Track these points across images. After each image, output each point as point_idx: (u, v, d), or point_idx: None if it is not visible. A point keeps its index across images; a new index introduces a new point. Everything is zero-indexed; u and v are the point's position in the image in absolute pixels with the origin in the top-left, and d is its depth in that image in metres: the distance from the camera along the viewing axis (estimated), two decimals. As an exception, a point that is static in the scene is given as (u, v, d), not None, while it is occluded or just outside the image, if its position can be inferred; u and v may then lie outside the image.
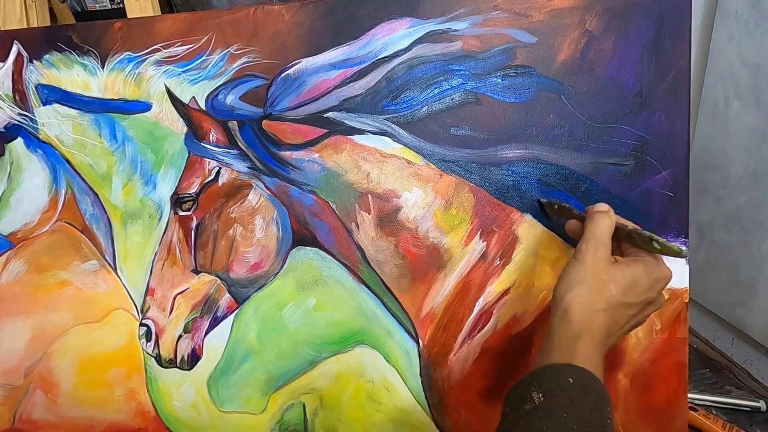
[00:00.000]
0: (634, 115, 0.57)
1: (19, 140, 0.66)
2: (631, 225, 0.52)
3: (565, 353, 0.45)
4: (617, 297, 0.47)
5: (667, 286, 0.51)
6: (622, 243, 0.53)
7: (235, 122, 0.62)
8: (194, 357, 0.66)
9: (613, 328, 0.48)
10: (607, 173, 0.58)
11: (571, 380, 0.43)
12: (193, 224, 0.64)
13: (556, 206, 0.57)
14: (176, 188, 0.64)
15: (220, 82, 0.61)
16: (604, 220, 0.51)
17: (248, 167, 0.63)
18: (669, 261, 0.51)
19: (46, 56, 0.64)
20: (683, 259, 0.57)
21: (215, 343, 0.65)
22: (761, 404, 0.79)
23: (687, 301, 0.59)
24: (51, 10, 0.91)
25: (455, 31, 0.58)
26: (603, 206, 0.52)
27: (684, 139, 0.57)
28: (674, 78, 0.56)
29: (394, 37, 0.58)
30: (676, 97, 0.56)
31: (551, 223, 0.60)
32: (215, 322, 0.65)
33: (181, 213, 0.64)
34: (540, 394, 0.43)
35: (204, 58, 0.61)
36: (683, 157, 0.57)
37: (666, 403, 0.61)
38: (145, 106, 0.63)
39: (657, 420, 0.61)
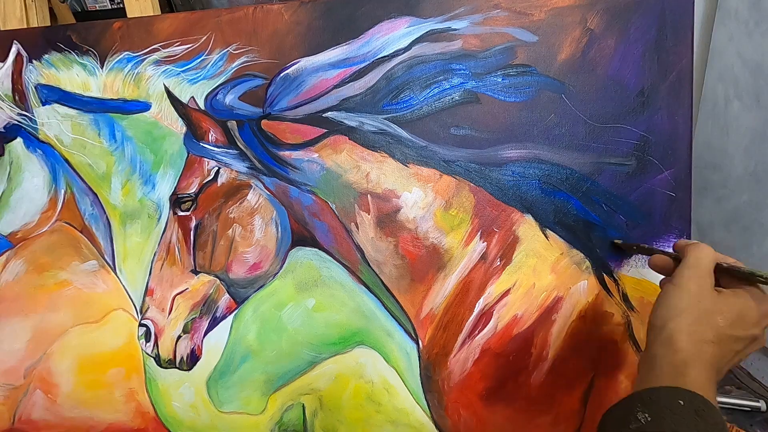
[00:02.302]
0: (635, 115, 0.57)
1: (19, 140, 0.66)
2: (731, 260, 0.50)
3: (673, 378, 0.43)
4: (725, 329, 0.45)
5: None
6: (722, 279, 0.50)
7: (234, 122, 0.62)
8: (193, 357, 0.65)
9: (722, 361, 0.45)
10: (608, 173, 0.58)
11: (682, 402, 0.41)
12: (192, 224, 0.64)
13: (634, 247, 0.57)
14: (175, 188, 0.64)
15: (219, 82, 0.61)
16: (707, 250, 0.48)
17: (247, 167, 0.63)
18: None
19: (46, 56, 0.64)
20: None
21: (214, 343, 0.65)
22: (761, 404, 0.79)
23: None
24: (51, 10, 0.91)
25: (455, 30, 0.57)
26: (702, 245, 0.50)
27: (686, 138, 0.57)
28: (676, 77, 0.56)
29: (393, 36, 0.58)
30: (677, 96, 0.56)
31: (552, 223, 0.59)
32: (214, 323, 0.65)
33: (180, 213, 0.64)
34: (646, 415, 0.41)
35: (203, 57, 0.61)
36: (685, 156, 0.57)
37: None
38: (144, 106, 0.63)
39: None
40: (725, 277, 0.49)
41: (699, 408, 0.40)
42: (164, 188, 0.64)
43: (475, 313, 0.61)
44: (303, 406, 0.66)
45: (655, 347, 0.46)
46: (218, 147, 0.63)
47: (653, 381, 0.44)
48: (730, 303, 0.46)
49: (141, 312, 0.66)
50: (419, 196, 0.60)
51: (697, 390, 0.42)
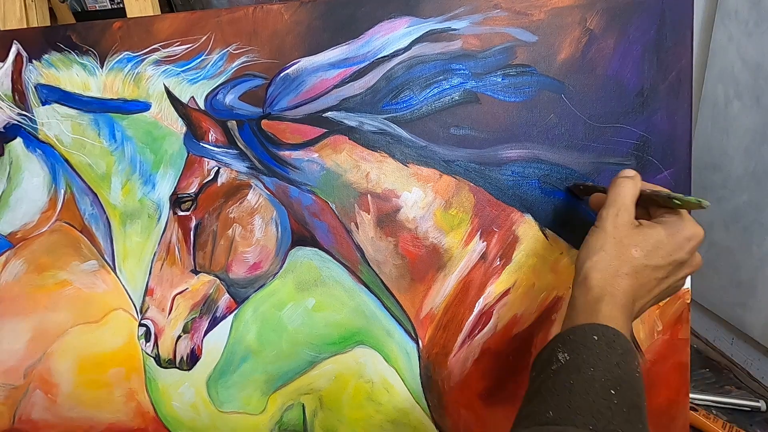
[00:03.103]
0: (635, 115, 0.57)
1: (19, 140, 0.66)
2: (656, 188, 0.51)
3: (586, 316, 0.45)
4: (640, 260, 0.47)
5: None
6: (650, 208, 0.51)
7: (234, 122, 0.62)
8: (193, 357, 0.65)
9: (639, 291, 0.47)
10: (608, 173, 0.58)
11: (596, 337, 0.43)
12: (192, 224, 0.64)
13: (581, 186, 0.57)
14: (175, 188, 0.64)
15: (219, 82, 0.61)
16: (626, 185, 0.49)
17: (247, 167, 0.63)
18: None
19: (46, 56, 0.64)
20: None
21: (214, 343, 0.65)
22: (761, 404, 0.79)
23: (689, 302, 0.59)
24: (51, 10, 0.91)
25: (455, 30, 0.57)
26: (629, 172, 0.51)
27: (686, 138, 0.57)
28: (676, 77, 0.56)
29: (393, 36, 0.58)
30: (677, 96, 0.56)
31: (552, 223, 0.59)
32: (214, 323, 0.65)
33: (180, 213, 0.64)
34: (565, 354, 0.43)
35: (203, 57, 0.61)
36: (685, 156, 0.57)
37: (668, 403, 0.61)
38: (144, 106, 0.63)
39: (659, 421, 0.61)
40: (653, 206, 0.51)
41: (610, 340, 0.43)
42: (164, 188, 0.64)
43: (474, 313, 0.61)
44: (303, 405, 0.66)
45: (574, 289, 0.48)
46: (218, 147, 0.63)
47: (572, 321, 0.46)
48: (646, 234, 0.48)
49: (141, 312, 0.66)
50: (419, 195, 0.60)
51: (610, 323, 0.44)
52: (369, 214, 0.61)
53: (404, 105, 0.59)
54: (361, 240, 0.62)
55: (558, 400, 0.40)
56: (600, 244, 0.48)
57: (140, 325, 0.66)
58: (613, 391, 0.40)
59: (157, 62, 0.62)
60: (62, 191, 0.67)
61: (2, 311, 0.68)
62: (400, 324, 0.63)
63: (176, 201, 0.64)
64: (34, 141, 0.66)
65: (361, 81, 0.59)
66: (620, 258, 0.47)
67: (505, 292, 0.61)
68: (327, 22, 0.59)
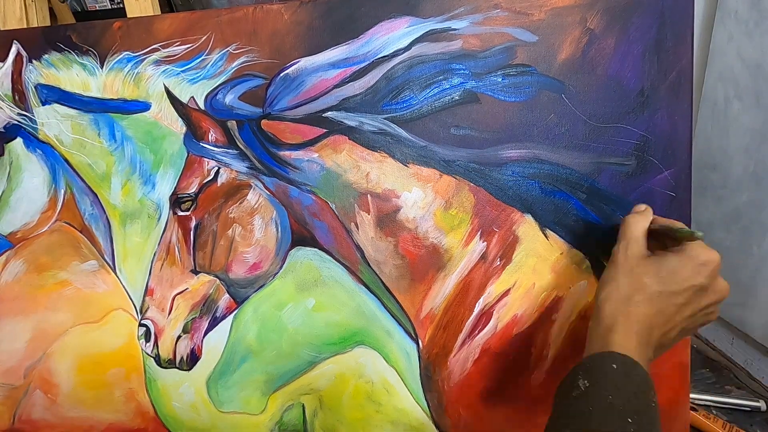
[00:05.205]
0: (635, 115, 0.57)
1: (19, 140, 0.66)
2: (667, 221, 0.52)
3: (601, 345, 0.46)
4: (654, 287, 0.47)
5: None
6: (666, 241, 0.52)
7: (234, 122, 0.62)
8: (193, 357, 0.65)
9: (657, 319, 0.47)
10: (608, 173, 0.58)
11: (615, 366, 0.44)
12: (192, 224, 0.64)
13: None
14: (175, 188, 0.64)
15: (219, 82, 0.61)
16: (634, 219, 0.52)
17: (247, 167, 0.63)
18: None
19: (46, 56, 0.64)
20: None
21: (214, 343, 0.65)
22: (761, 404, 0.79)
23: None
24: (51, 10, 0.91)
25: (455, 29, 0.57)
26: (639, 207, 0.53)
27: (686, 138, 0.57)
28: (676, 77, 0.56)
29: (393, 36, 0.58)
30: (677, 96, 0.56)
31: (552, 223, 0.59)
32: (214, 323, 0.65)
33: (180, 213, 0.64)
34: (585, 381, 0.44)
35: (203, 57, 0.61)
36: (685, 156, 0.57)
37: (668, 403, 0.61)
38: (144, 106, 0.63)
39: (658, 421, 0.61)
40: (666, 239, 0.52)
41: (628, 369, 0.44)
42: (164, 188, 0.64)
43: (475, 313, 0.61)
44: (303, 406, 0.66)
45: (591, 320, 0.50)
46: (218, 147, 0.63)
47: (588, 351, 0.47)
48: (659, 262, 0.48)
49: (141, 312, 0.66)
50: (419, 195, 0.60)
51: (623, 351, 0.45)
52: (369, 214, 0.61)
53: (404, 105, 0.59)
54: (361, 240, 0.62)
55: (578, 424, 0.42)
56: (611, 276, 0.49)
57: (140, 325, 0.66)
58: (630, 420, 0.41)
59: (157, 62, 0.62)
60: (62, 191, 0.67)
61: (2, 311, 0.68)
62: (400, 324, 0.63)
63: (176, 201, 0.64)
64: (34, 141, 0.66)
65: (361, 81, 0.59)
66: (632, 286, 0.48)
67: (505, 293, 0.61)
68: (327, 22, 0.59)
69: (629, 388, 0.43)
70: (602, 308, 0.48)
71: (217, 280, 0.64)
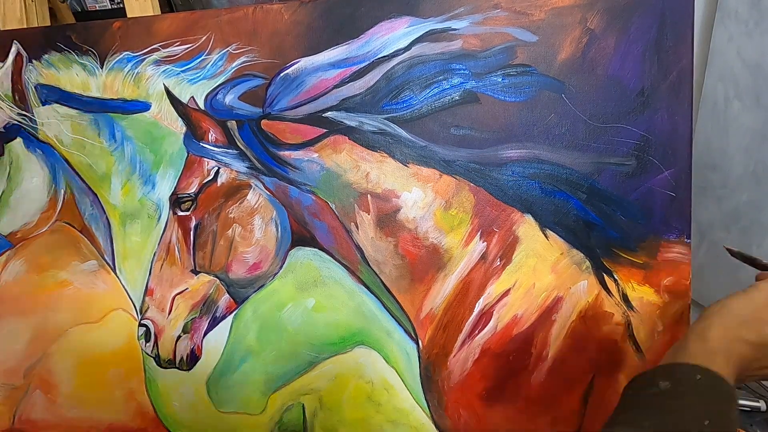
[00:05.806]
0: (635, 115, 0.57)
1: (19, 140, 0.66)
2: None
3: (698, 360, 0.45)
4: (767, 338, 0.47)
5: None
6: None
7: (234, 122, 0.62)
8: (193, 357, 0.65)
9: (753, 364, 0.47)
10: (608, 173, 0.58)
11: (699, 377, 0.44)
12: (192, 224, 0.64)
13: (743, 255, 0.58)
14: (175, 188, 0.64)
15: (219, 82, 0.61)
16: None
17: (247, 167, 0.62)
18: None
19: (46, 56, 0.64)
20: (683, 258, 0.57)
21: (214, 343, 0.65)
22: (761, 404, 0.79)
23: (689, 302, 0.59)
24: (51, 10, 0.91)
25: (455, 29, 0.57)
26: None
27: (686, 138, 0.57)
28: (676, 77, 0.56)
29: (393, 36, 0.58)
30: (678, 96, 0.56)
31: (552, 223, 0.59)
32: (214, 323, 0.65)
33: (180, 213, 0.64)
34: (667, 382, 0.44)
35: (203, 57, 0.61)
36: (685, 156, 0.57)
37: (667, 403, 0.61)
38: (144, 106, 0.63)
39: (658, 421, 0.61)
40: None
41: (715, 384, 0.43)
42: (164, 188, 0.64)
43: (475, 313, 0.61)
44: (303, 406, 0.66)
45: (689, 334, 0.49)
46: (218, 147, 0.63)
47: (680, 358, 0.46)
48: None
49: (141, 312, 0.66)
50: (419, 196, 0.60)
51: (716, 370, 0.44)
52: (369, 214, 0.61)
53: (404, 105, 0.59)
54: (361, 240, 0.62)
55: (655, 413, 0.42)
56: (738, 309, 0.48)
57: (140, 325, 0.66)
58: (706, 422, 0.41)
59: (157, 62, 0.62)
60: (62, 191, 0.67)
61: (2, 311, 0.68)
62: (400, 324, 0.63)
63: (176, 201, 0.64)
64: (34, 141, 0.66)
65: (361, 81, 0.59)
66: (752, 328, 0.47)
67: (505, 293, 0.61)
68: (327, 22, 0.59)
69: (711, 399, 0.42)
70: (710, 331, 0.47)
71: (217, 280, 0.64)
